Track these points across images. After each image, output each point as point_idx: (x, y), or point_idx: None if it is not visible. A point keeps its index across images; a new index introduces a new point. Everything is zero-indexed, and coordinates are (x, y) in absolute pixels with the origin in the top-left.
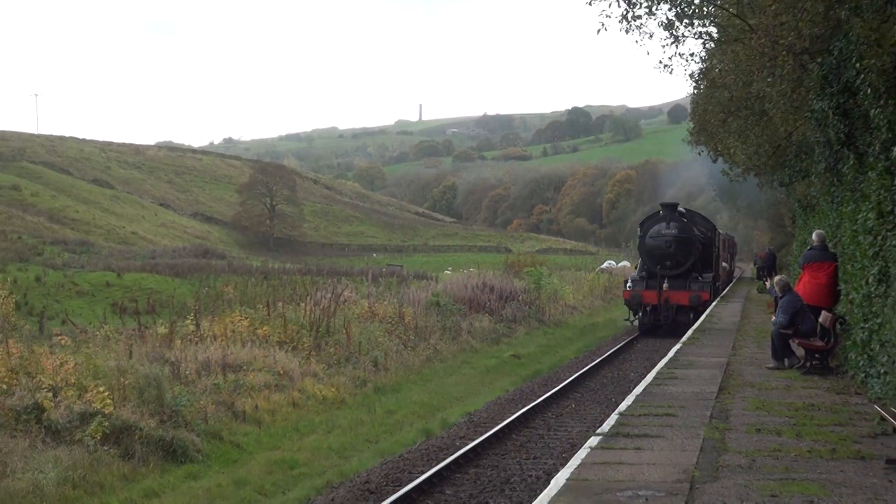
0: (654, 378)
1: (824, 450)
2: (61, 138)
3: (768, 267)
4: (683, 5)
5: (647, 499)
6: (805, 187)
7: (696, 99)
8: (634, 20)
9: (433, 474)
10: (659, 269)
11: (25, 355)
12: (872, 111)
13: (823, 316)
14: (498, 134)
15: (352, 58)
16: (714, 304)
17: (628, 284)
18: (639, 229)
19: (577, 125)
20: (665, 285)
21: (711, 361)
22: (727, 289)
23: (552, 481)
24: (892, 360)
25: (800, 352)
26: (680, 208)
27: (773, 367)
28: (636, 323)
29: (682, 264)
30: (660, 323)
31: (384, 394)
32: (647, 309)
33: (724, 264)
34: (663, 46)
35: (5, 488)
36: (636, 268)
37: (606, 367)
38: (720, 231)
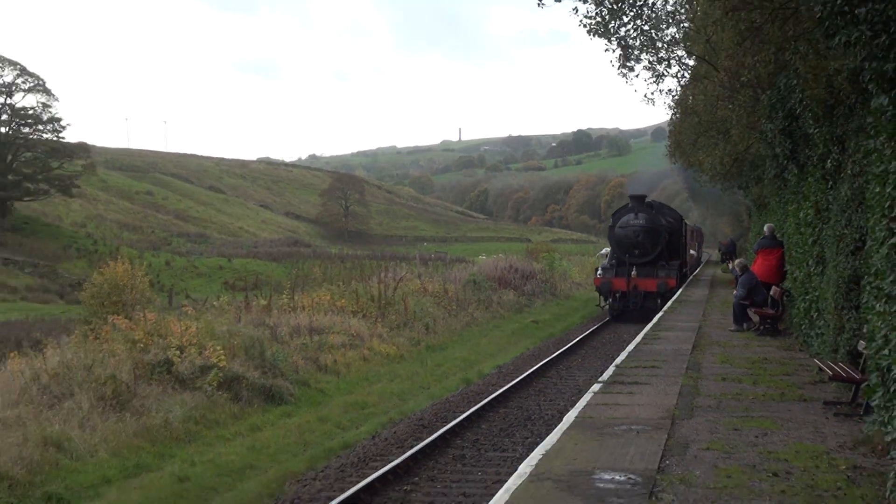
0: (643, 339)
1: (775, 394)
2: (185, 155)
3: (730, 252)
4: (663, 53)
5: (637, 431)
6: (758, 190)
7: (673, 123)
8: (629, 69)
9: (472, 413)
10: (627, 258)
11: (159, 322)
12: (812, 131)
13: (773, 290)
14: (520, 150)
15: (408, 91)
16: (685, 285)
17: (599, 272)
18: (611, 220)
19: (581, 143)
20: (633, 273)
21: (687, 325)
22: (697, 270)
23: (564, 418)
24: (827, 324)
25: (755, 318)
26: (649, 200)
27: (735, 330)
28: (606, 308)
29: (649, 252)
30: (629, 308)
31: (433, 351)
32: (617, 295)
33: (692, 252)
34: (647, 84)
35: (144, 423)
36: (607, 256)
37: (605, 330)
38: (688, 223)
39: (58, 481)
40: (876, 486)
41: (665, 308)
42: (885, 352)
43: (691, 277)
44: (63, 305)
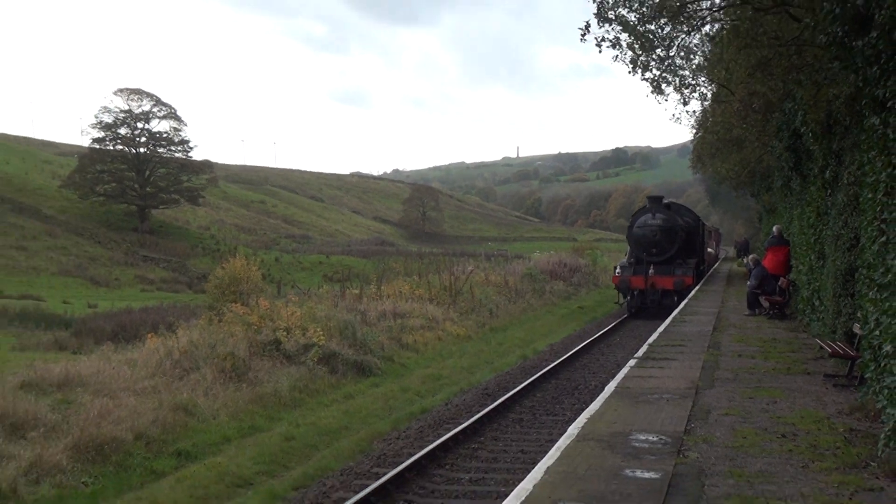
0: (671, 321)
1: (783, 368)
2: (290, 170)
3: (744, 249)
4: (690, 79)
5: (667, 399)
6: (768, 197)
7: (696, 139)
8: (660, 93)
9: (528, 384)
10: (645, 256)
11: (269, 308)
12: (812, 147)
13: (781, 281)
14: (567, 165)
15: (474, 115)
16: (705, 278)
17: (617, 270)
18: (630, 220)
19: (619, 159)
20: (651, 271)
21: (708, 311)
22: (715, 265)
23: (605, 388)
24: (827, 309)
25: (766, 305)
26: (666, 201)
27: (748, 315)
28: (625, 305)
29: (666, 251)
30: (646, 305)
31: (496, 332)
32: (635, 293)
33: (709, 250)
34: (675, 105)
35: (257, 392)
36: (626, 254)
37: (640, 315)
38: (706, 223)
39: (186, 440)
40: (869, 446)
41: (689, 296)
42: (877, 332)
43: (710, 272)
44: (191, 294)
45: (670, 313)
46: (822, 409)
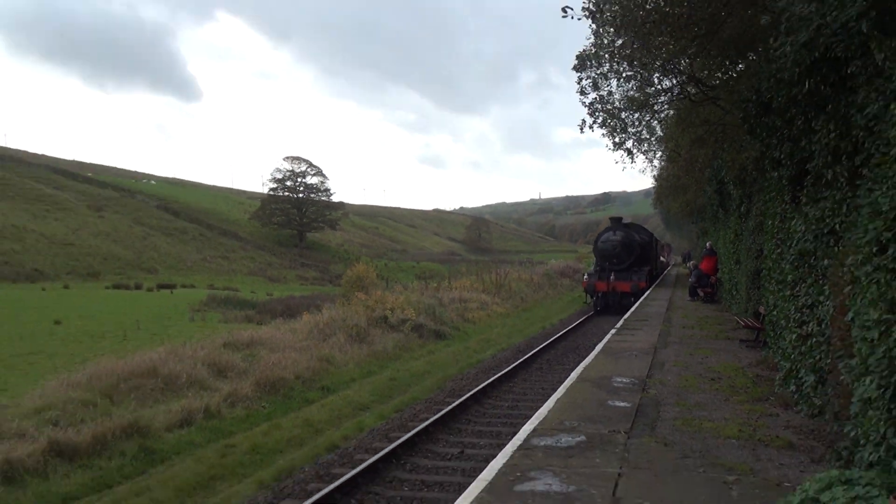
0: (638, 305)
1: (712, 335)
2: (394, 207)
3: (687, 257)
4: (652, 148)
5: (636, 355)
6: (703, 223)
7: (656, 186)
8: (632, 159)
9: (545, 345)
10: (607, 265)
11: (381, 296)
12: (732, 191)
13: (712, 278)
14: (572, 203)
15: (511, 172)
16: (659, 278)
17: (585, 277)
18: (596, 237)
19: (606, 198)
20: (612, 277)
21: (663, 298)
22: (667, 269)
23: (595, 347)
24: (741, 297)
25: (701, 294)
26: (625, 221)
27: (690, 300)
28: (592, 304)
29: (624, 261)
30: (609, 304)
31: (525, 311)
32: (599, 294)
33: (662, 258)
34: (643, 164)
35: (372, 349)
36: (592, 265)
37: (605, 312)
38: (660, 240)
39: (327, 379)
40: (769, 385)
41: (645, 294)
42: (774, 312)
43: (664, 273)
44: (331, 287)
45: (628, 310)
46: (738, 362)
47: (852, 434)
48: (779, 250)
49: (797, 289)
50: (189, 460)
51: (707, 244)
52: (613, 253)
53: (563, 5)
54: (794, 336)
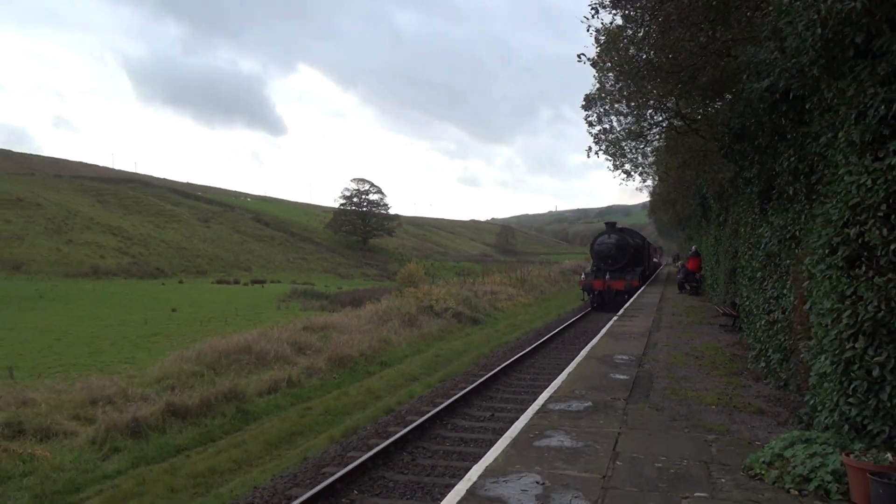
0: (635, 298)
1: (697, 321)
2: (438, 218)
3: (676, 258)
4: (646, 170)
5: (634, 337)
6: (689, 230)
7: (651, 201)
8: (629, 176)
9: (560, 328)
10: (603, 266)
11: (428, 289)
12: (712, 204)
13: (697, 275)
14: (583, 214)
15: (534, 188)
16: (651, 277)
17: (583, 276)
18: (592, 240)
19: (611, 211)
20: (607, 276)
21: (656, 292)
22: (659, 269)
23: (600, 331)
24: (720, 290)
25: (688, 288)
26: (620, 226)
27: (678, 293)
28: (589, 301)
29: (619, 262)
30: (604, 301)
31: (544, 301)
32: (595, 292)
33: (654, 259)
34: (639, 183)
35: (420, 332)
36: (590, 265)
37: (602, 308)
38: (652, 243)
39: (385, 356)
40: (743, 362)
41: (642, 288)
42: (746, 303)
43: (656, 272)
44: (389, 282)
45: (622, 307)
46: (717, 343)
47: (811, 402)
48: (750, 252)
49: (765, 283)
50: (275, 420)
51: (693, 247)
52: (609, 254)
53: (578, 52)
54: (762, 322)
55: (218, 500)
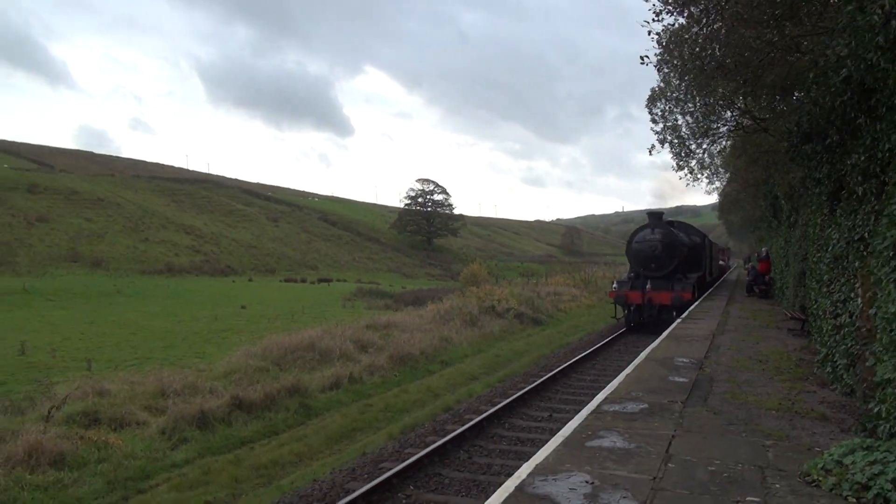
0: (701, 301)
1: (764, 324)
2: (503, 218)
3: (747, 260)
4: (709, 173)
5: (697, 340)
6: (759, 232)
7: (720, 202)
8: (697, 180)
9: (624, 330)
10: (643, 271)
11: (490, 289)
12: (782, 205)
13: (766, 277)
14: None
15: (600, 189)
16: (712, 289)
17: (614, 285)
18: (629, 237)
19: (680, 211)
20: (648, 286)
21: (724, 295)
22: (726, 273)
23: (663, 333)
24: (790, 293)
25: (756, 291)
26: (668, 219)
27: (746, 296)
28: (624, 319)
29: (665, 266)
30: (643, 320)
31: (608, 303)
32: (632, 307)
33: (720, 262)
34: (707, 184)
35: (482, 332)
36: (626, 271)
37: (641, 329)
38: (714, 241)
39: (445, 355)
40: (809, 367)
41: (702, 298)
42: (815, 307)
43: (723, 277)
44: (452, 282)
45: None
46: (784, 348)
47: (875, 409)
48: (818, 254)
49: (832, 286)
50: (336, 415)
51: (763, 249)
52: (651, 255)
53: (641, 54)
54: (829, 326)
55: (279, 492)
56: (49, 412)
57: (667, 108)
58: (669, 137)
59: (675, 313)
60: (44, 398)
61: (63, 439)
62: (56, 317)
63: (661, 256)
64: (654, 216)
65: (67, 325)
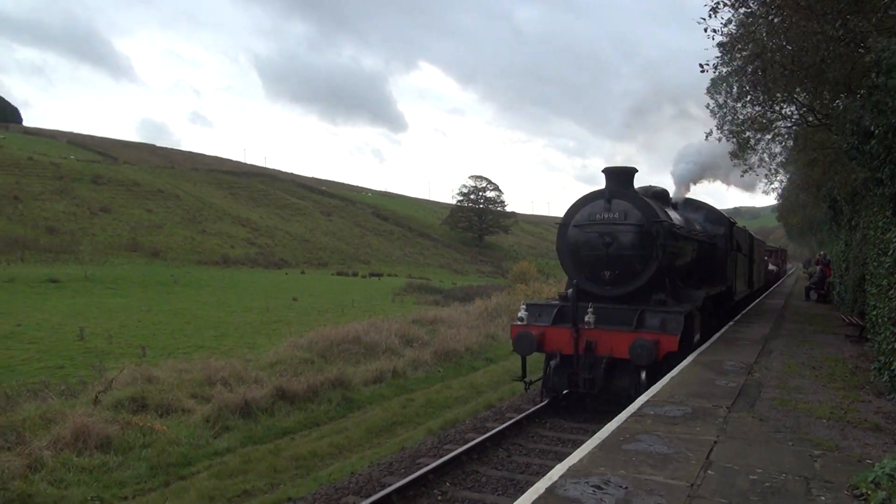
0: (756, 302)
1: (820, 330)
2: (557, 217)
3: (808, 263)
4: (767, 172)
5: (747, 344)
6: (819, 236)
7: (779, 203)
8: (752, 172)
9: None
10: (587, 285)
11: (538, 286)
12: (843, 207)
13: (826, 281)
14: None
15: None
16: (770, 290)
17: (520, 314)
18: (563, 218)
19: (738, 212)
20: (588, 317)
21: (779, 298)
22: (783, 278)
23: (713, 336)
24: (849, 298)
25: (814, 297)
26: (653, 188)
27: (804, 301)
28: (536, 384)
29: (630, 276)
30: (578, 388)
31: None
32: (555, 359)
33: (771, 267)
34: (765, 185)
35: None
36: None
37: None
38: (761, 239)
39: (490, 352)
40: (865, 376)
41: (771, 288)
42: (874, 313)
43: (779, 282)
44: (502, 279)
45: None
46: (840, 354)
47: None
48: (879, 258)
49: (891, 291)
50: (378, 409)
51: (821, 253)
52: (602, 255)
53: (700, 62)
54: (889, 333)
55: (316, 483)
56: (96, 396)
57: (724, 96)
58: (727, 128)
59: (642, 377)
60: (96, 383)
61: (110, 423)
62: (114, 304)
63: (623, 258)
64: (615, 176)
65: (125, 312)
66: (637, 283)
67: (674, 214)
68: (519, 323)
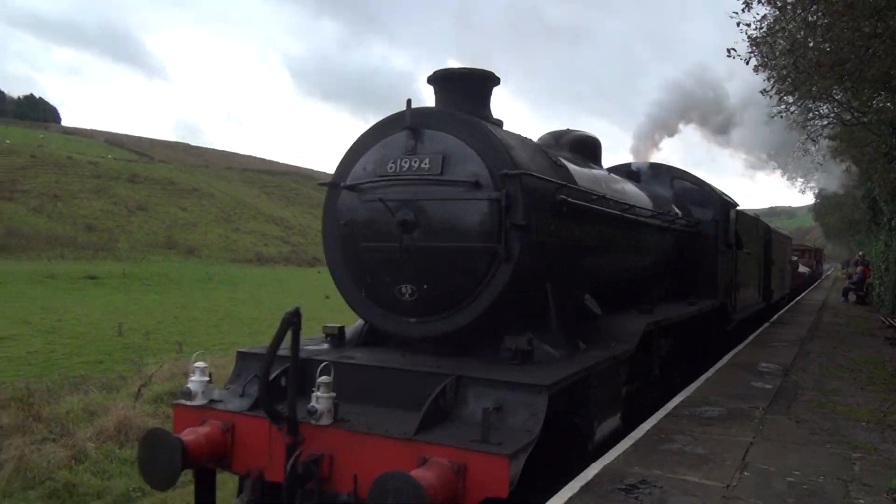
0: (794, 303)
1: (859, 332)
2: None
3: (846, 264)
4: (803, 171)
5: (784, 345)
6: (859, 236)
7: (816, 204)
8: (787, 174)
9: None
10: (371, 312)
11: None
12: (883, 207)
13: (866, 282)
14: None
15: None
16: (811, 287)
17: (192, 379)
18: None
19: (773, 212)
20: (319, 394)
21: (818, 298)
22: (820, 279)
23: (746, 339)
24: (889, 299)
25: (852, 298)
26: (572, 131)
27: (843, 301)
28: None
29: (460, 293)
30: None
31: None
32: (245, 497)
33: (802, 269)
34: (802, 185)
35: None
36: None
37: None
38: (787, 235)
39: None
40: None
41: (810, 288)
42: None
43: (817, 283)
44: None
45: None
46: (879, 356)
47: None
48: None
49: None
50: None
51: (860, 253)
52: (397, 246)
53: (728, 47)
54: None
55: None
56: (139, 390)
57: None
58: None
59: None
60: (135, 377)
61: (150, 417)
62: (151, 301)
63: (440, 255)
64: (450, 84)
65: (161, 309)
66: (473, 308)
67: (629, 186)
68: (184, 402)
